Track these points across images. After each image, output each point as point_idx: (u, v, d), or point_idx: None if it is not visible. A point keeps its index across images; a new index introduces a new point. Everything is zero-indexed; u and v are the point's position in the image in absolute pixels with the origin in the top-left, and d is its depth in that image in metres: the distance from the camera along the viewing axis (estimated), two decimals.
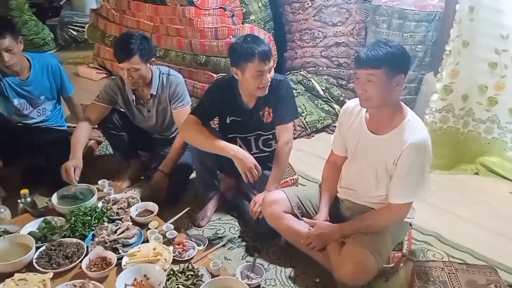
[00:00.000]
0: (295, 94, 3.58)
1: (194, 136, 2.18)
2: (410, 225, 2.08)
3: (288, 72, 3.88)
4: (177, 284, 1.64)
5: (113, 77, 2.58)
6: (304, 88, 3.69)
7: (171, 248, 1.85)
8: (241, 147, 2.28)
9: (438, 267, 1.94)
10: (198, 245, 2.16)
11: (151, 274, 1.68)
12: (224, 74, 3.33)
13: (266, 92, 2.15)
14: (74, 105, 2.96)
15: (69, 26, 5.79)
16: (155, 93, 2.53)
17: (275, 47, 3.77)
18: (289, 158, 2.32)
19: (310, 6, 3.73)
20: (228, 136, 2.31)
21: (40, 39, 5.56)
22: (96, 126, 2.71)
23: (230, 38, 3.47)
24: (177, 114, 2.51)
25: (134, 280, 1.67)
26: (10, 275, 1.67)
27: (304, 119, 3.46)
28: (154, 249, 1.80)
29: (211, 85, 2.36)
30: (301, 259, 2.09)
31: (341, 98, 3.64)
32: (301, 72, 3.77)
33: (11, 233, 1.93)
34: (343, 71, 3.75)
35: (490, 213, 2.57)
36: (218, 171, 2.49)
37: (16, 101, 2.68)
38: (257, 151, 2.38)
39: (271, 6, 4.01)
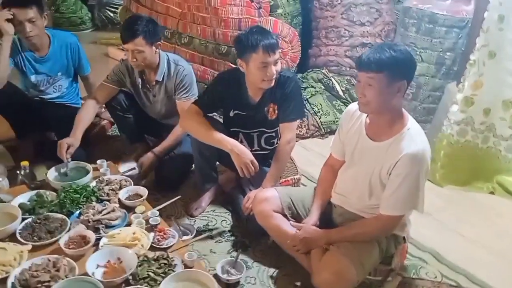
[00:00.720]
0: (313, 93, 3.53)
1: (193, 126, 2.17)
2: (404, 239, 1.98)
3: (310, 70, 3.80)
4: (147, 271, 1.63)
5: (123, 58, 2.60)
6: (323, 87, 3.60)
7: (151, 234, 1.85)
8: (241, 142, 2.26)
9: (426, 287, 1.84)
10: (186, 234, 2.17)
11: (124, 258, 1.68)
12: None
13: (272, 84, 2.11)
14: (90, 85, 3.01)
15: (107, 7, 5.91)
16: (160, 80, 2.53)
17: (299, 43, 3.70)
18: (289, 157, 2.28)
19: (339, 3, 3.62)
20: (231, 130, 2.29)
21: (77, 18, 5.72)
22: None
23: None
24: (181, 105, 2.51)
25: (107, 262, 1.68)
26: None
27: (319, 118, 3.38)
28: (134, 233, 1.80)
29: (217, 76, 2.34)
30: (286, 260, 2.04)
31: None
32: (323, 71, 3.67)
33: (4, 202, 1.99)
34: None
35: (500, 236, 2.41)
36: (218, 162, 2.48)
37: (33, 77, 2.75)
38: (259, 148, 2.34)
39: (301, 1, 3.92)
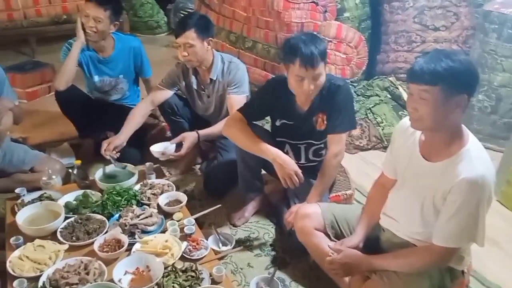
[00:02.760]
0: (378, 101, 3.32)
1: (235, 134, 2.11)
2: (463, 273, 1.75)
3: (376, 77, 3.58)
4: (173, 282, 1.59)
5: (179, 61, 2.61)
6: (389, 96, 3.37)
7: (184, 244, 1.81)
8: (287, 153, 2.15)
9: None
10: (225, 244, 2.11)
11: (152, 266, 1.66)
12: None
13: (311, 98, 2.00)
14: (151, 88, 3.07)
15: (181, 12, 6.06)
16: (214, 78, 2.52)
17: (366, 48, 3.51)
18: (336, 171, 2.13)
19: (411, 7, 3.38)
20: (277, 140, 2.19)
21: (154, 22, 5.94)
22: None
23: None
24: (230, 100, 2.46)
25: (136, 269, 1.66)
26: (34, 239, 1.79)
27: (382, 129, 3.15)
28: (166, 241, 1.77)
29: (263, 84, 2.26)
30: (326, 282, 1.91)
31: None
32: (390, 78, 3.44)
33: (53, 199, 2.07)
34: None
35: None
36: (265, 171, 2.39)
37: (96, 77, 2.86)
38: (305, 162, 2.23)
39: (371, 4, 3.72)
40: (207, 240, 2.07)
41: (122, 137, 2.43)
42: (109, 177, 2.28)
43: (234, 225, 2.32)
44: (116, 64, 2.85)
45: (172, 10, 6.21)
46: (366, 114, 3.19)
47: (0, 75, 2.46)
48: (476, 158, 1.50)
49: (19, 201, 2.03)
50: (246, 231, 2.28)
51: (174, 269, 1.65)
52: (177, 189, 2.24)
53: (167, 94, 2.62)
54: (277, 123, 2.19)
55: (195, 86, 2.59)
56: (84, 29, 2.64)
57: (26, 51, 5.00)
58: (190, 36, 2.34)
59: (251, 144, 2.05)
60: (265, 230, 2.29)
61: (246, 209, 2.36)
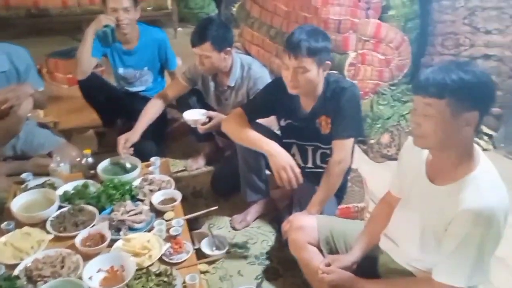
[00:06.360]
0: None
1: (231, 127, 2.03)
2: None
3: None
4: (143, 286, 1.53)
5: None
6: None
7: (167, 245, 1.74)
8: (294, 156, 2.04)
9: None
10: (219, 248, 2.03)
11: (126, 267, 1.60)
12: (336, 72, 3.02)
13: (295, 91, 1.88)
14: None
15: (233, 4, 6.02)
16: (232, 85, 2.43)
17: (409, 50, 3.26)
18: (340, 180, 1.95)
19: (462, 6, 3.06)
20: (284, 141, 2.07)
21: (204, 14, 5.93)
22: None
23: (349, 33, 3.12)
24: None
25: (110, 268, 1.62)
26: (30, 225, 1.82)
27: None
28: (148, 241, 1.72)
29: (269, 82, 2.14)
30: None
31: None
32: None
33: (55, 187, 2.08)
34: None
35: None
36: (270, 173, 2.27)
37: (121, 69, 2.88)
38: (313, 166, 2.09)
39: (420, 2, 3.43)
40: (200, 242, 2.02)
41: (137, 134, 2.40)
42: (113, 169, 2.26)
43: (234, 228, 2.23)
44: (140, 56, 2.85)
45: (224, 2, 6.19)
46: (399, 121, 2.95)
47: (27, 62, 2.53)
48: (485, 185, 1.30)
49: (23, 186, 2.08)
50: (245, 236, 2.19)
51: (147, 272, 1.59)
52: (186, 185, 2.18)
53: (184, 88, 2.56)
54: (282, 123, 2.09)
55: (212, 89, 2.52)
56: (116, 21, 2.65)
57: (81, 38, 5.17)
58: (206, 48, 2.25)
59: (245, 135, 1.96)
60: (265, 237, 2.18)
61: (248, 213, 2.26)
